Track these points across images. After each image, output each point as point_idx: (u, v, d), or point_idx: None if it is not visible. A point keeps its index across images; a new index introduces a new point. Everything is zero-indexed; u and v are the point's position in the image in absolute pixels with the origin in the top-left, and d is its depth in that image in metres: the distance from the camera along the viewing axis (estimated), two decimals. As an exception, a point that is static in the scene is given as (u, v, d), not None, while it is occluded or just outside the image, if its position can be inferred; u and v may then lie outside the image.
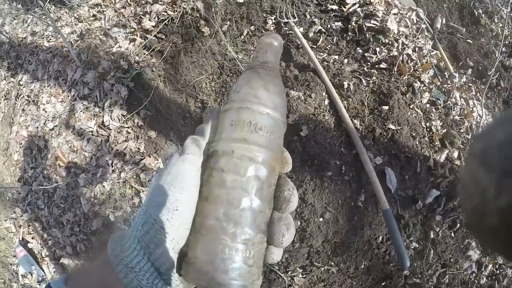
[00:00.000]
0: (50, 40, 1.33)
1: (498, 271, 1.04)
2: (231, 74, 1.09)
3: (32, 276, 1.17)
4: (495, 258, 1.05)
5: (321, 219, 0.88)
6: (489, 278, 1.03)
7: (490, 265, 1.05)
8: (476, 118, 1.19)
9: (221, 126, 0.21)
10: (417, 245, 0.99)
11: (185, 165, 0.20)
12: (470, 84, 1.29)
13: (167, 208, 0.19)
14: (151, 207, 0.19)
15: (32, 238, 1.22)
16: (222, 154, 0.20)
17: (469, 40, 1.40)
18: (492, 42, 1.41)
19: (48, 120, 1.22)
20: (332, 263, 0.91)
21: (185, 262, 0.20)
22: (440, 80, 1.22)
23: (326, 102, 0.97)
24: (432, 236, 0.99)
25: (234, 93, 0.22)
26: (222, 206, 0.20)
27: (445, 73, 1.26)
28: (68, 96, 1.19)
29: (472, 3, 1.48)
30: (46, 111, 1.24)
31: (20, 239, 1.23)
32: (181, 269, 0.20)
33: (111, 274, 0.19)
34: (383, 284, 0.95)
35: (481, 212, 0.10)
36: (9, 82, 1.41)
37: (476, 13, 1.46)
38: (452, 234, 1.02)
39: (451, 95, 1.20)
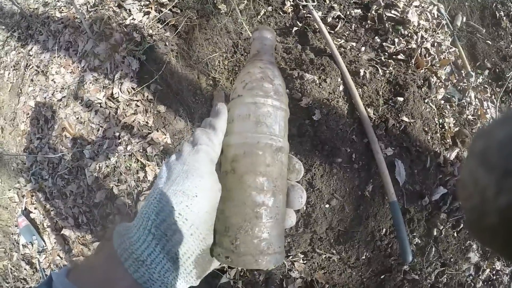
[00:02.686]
0: (62, 11, 1.31)
1: (494, 277, 1.04)
2: (245, 54, 1.07)
3: (32, 246, 1.18)
4: (493, 263, 1.04)
5: (327, 206, 0.87)
6: (485, 283, 1.02)
7: (488, 270, 1.04)
8: (489, 120, 1.17)
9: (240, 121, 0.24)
10: (420, 241, 0.98)
11: (200, 154, 0.21)
12: (486, 86, 1.26)
13: (186, 195, 0.19)
14: (168, 196, 0.20)
15: (35, 208, 1.23)
16: (240, 147, 0.23)
17: (488, 41, 1.36)
18: (511, 46, 1.37)
19: (57, 91, 1.21)
20: (334, 251, 0.91)
21: (223, 248, 0.21)
22: (457, 77, 1.19)
23: (341, 88, 0.95)
24: (435, 233, 0.98)
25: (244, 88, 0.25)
26: (246, 192, 0.22)
27: (462, 72, 1.23)
28: (78, 67, 1.18)
29: (494, 4, 1.44)
30: (55, 82, 1.23)
31: (23, 209, 1.23)
32: (217, 255, 0.22)
33: (116, 269, 0.19)
34: (382, 277, 0.95)
35: (481, 211, 0.10)
36: (19, 53, 1.40)
37: (497, 15, 1.42)
38: (455, 234, 1.01)
39: (466, 94, 1.17)
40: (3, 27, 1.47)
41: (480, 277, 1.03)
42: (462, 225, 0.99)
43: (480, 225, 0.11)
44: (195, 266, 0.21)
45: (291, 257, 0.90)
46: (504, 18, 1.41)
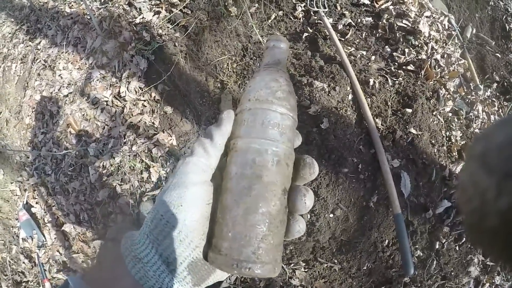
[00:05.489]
0: (72, 6, 1.30)
1: (494, 291, 1.03)
2: (255, 58, 1.07)
3: (32, 240, 1.18)
4: (493, 277, 1.04)
5: (331, 215, 0.87)
6: (484, 297, 1.02)
7: (487, 284, 1.04)
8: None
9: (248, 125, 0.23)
10: (421, 254, 0.97)
11: (189, 166, 0.22)
12: (493, 99, 1.25)
13: (172, 205, 0.21)
14: (159, 205, 0.22)
15: (36, 202, 1.23)
16: (239, 150, 0.23)
17: (497, 54, 1.36)
18: (520, 59, 1.36)
19: (63, 87, 1.21)
20: (336, 261, 0.90)
21: (210, 250, 0.22)
22: (465, 90, 1.18)
23: (350, 97, 0.94)
24: (437, 246, 0.98)
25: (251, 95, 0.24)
26: (237, 195, 0.22)
27: (471, 84, 1.22)
28: (86, 64, 1.18)
29: (504, 17, 1.43)
30: (61, 77, 1.22)
31: (24, 202, 1.23)
32: (207, 257, 0.22)
33: (121, 267, 0.21)
34: (382, 288, 0.94)
35: (481, 214, 0.10)
36: (27, 46, 1.40)
37: (507, 27, 1.41)
38: (457, 248, 1.01)
39: (474, 107, 1.16)
40: (12, 19, 1.47)
41: (480, 291, 1.02)
42: (464, 239, 0.99)
43: (480, 228, 0.11)
44: (189, 272, 0.21)
45: (292, 264, 0.90)
46: (514, 31, 1.41)
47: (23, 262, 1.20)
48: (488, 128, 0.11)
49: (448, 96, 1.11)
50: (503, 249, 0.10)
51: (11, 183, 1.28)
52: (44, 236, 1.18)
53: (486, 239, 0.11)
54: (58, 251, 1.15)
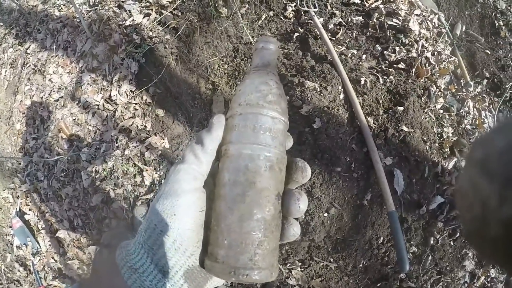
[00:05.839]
0: (61, 9, 1.29)
1: (489, 284, 1.05)
2: (246, 59, 1.07)
3: (27, 247, 1.16)
4: (488, 271, 1.05)
5: (325, 214, 0.87)
6: (480, 291, 1.03)
7: (483, 278, 1.05)
8: (487, 129, 1.18)
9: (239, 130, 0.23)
10: (416, 250, 0.98)
11: (180, 174, 0.22)
12: (484, 95, 1.27)
13: (166, 214, 0.21)
14: (152, 214, 0.21)
15: (30, 209, 1.21)
16: (229, 156, 0.22)
17: (487, 51, 1.37)
18: (510, 55, 1.39)
19: (54, 91, 1.20)
20: (331, 259, 0.91)
21: (207, 258, 0.22)
22: (456, 87, 1.20)
23: (342, 96, 0.95)
24: (431, 242, 0.99)
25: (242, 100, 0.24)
26: (233, 201, 0.21)
27: (461, 81, 1.24)
28: (76, 67, 1.17)
29: (493, 13, 1.45)
30: (52, 82, 1.21)
31: (17, 210, 1.21)
32: (204, 265, 0.22)
33: (117, 277, 0.21)
34: (378, 285, 0.95)
35: (483, 222, 0.10)
36: (16, 50, 1.38)
37: (496, 24, 1.43)
38: (451, 243, 1.02)
39: (464, 104, 1.18)
40: (1, 23, 1.45)
41: (475, 284, 1.04)
42: (458, 234, 1.00)
43: (481, 236, 0.10)
44: (186, 280, 0.21)
45: (288, 264, 0.90)
46: (503, 27, 1.43)
47: (18, 270, 1.19)
48: (487, 133, 0.11)
49: (439, 93, 1.12)
50: (504, 256, 0.10)
51: (4, 190, 1.27)
52: (38, 243, 1.16)
53: (487, 248, 0.10)
54: (53, 258, 1.13)
